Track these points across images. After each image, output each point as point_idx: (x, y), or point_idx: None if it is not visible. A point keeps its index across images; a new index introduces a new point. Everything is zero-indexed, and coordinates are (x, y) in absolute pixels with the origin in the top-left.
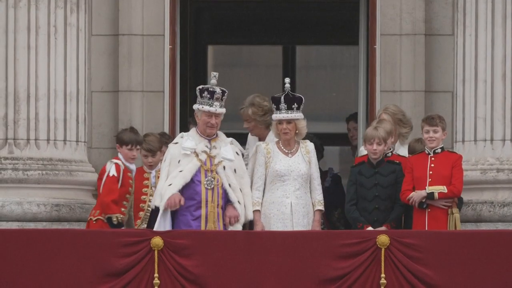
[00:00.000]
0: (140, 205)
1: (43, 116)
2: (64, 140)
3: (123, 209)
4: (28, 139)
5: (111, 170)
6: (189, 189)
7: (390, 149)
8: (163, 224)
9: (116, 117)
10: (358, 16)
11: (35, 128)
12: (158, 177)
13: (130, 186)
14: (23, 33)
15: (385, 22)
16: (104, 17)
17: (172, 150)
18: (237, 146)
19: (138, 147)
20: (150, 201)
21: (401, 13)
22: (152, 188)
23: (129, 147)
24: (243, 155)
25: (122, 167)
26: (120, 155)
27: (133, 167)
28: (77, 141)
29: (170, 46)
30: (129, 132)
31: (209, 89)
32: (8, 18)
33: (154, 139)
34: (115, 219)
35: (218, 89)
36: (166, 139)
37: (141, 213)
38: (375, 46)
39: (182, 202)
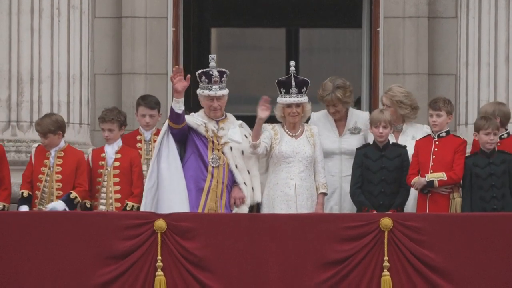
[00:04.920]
0: (37, 184)
1: (46, 98)
2: (67, 123)
3: None
4: (31, 122)
5: None
6: (197, 161)
7: (506, 130)
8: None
9: (120, 100)
10: None
11: (38, 111)
12: (58, 157)
13: None
14: (27, 15)
15: (388, 5)
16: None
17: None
18: (246, 129)
19: None
20: (46, 181)
21: None
22: (51, 168)
23: None
24: None
25: None
26: None
27: None
28: (80, 123)
29: (174, 29)
30: None
31: (207, 73)
32: (11, 0)
33: (46, 122)
34: None
35: (215, 72)
36: (115, 114)
37: (38, 193)
38: (378, 29)
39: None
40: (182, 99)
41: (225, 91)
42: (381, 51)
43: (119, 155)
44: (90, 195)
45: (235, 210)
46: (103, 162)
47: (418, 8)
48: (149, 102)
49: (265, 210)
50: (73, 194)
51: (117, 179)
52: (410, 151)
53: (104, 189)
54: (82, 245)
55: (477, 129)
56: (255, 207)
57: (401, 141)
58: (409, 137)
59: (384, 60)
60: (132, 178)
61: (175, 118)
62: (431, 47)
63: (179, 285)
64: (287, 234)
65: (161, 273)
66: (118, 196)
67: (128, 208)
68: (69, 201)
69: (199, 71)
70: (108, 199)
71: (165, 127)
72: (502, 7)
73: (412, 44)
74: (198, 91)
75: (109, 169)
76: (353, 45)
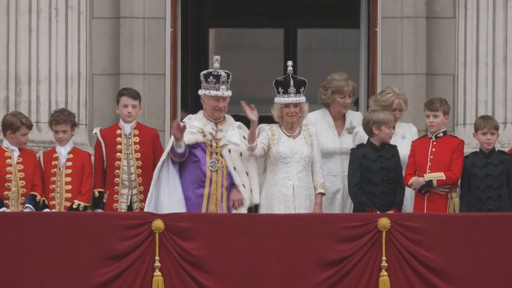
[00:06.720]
0: (6, 184)
1: (44, 99)
2: None
3: None
4: None
5: None
6: (195, 168)
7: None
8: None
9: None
10: None
11: (36, 111)
12: (20, 155)
13: None
14: (25, 15)
15: (386, 5)
16: (105, 0)
17: None
18: (245, 130)
19: None
20: (14, 180)
21: None
22: (15, 166)
23: None
24: None
25: None
26: None
27: None
28: (78, 124)
29: (172, 29)
30: None
31: (214, 73)
32: (9, 0)
33: (6, 118)
34: None
35: (223, 73)
36: (67, 115)
37: (8, 193)
38: (376, 29)
39: (182, 125)
40: (183, 141)
41: (230, 93)
42: (379, 51)
43: (71, 155)
44: (44, 195)
45: (234, 212)
46: (56, 162)
47: (416, 8)
48: (131, 92)
49: (263, 210)
50: (38, 197)
51: (69, 179)
52: (401, 150)
53: (58, 189)
54: (81, 245)
55: (476, 129)
56: (253, 208)
57: (392, 141)
58: (399, 137)
59: (382, 60)
60: (82, 178)
61: (178, 156)
62: (429, 47)
63: (177, 286)
64: (285, 234)
65: (159, 273)
66: (69, 195)
67: (74, 206)
68: (36, 204)
69: (204, 72)
70: (61, 197)
71: (164, 155)
72: (500, 7)
73: (410, 44)
74: (203, 92)
75: (61, 169)
76: (351, 45)
